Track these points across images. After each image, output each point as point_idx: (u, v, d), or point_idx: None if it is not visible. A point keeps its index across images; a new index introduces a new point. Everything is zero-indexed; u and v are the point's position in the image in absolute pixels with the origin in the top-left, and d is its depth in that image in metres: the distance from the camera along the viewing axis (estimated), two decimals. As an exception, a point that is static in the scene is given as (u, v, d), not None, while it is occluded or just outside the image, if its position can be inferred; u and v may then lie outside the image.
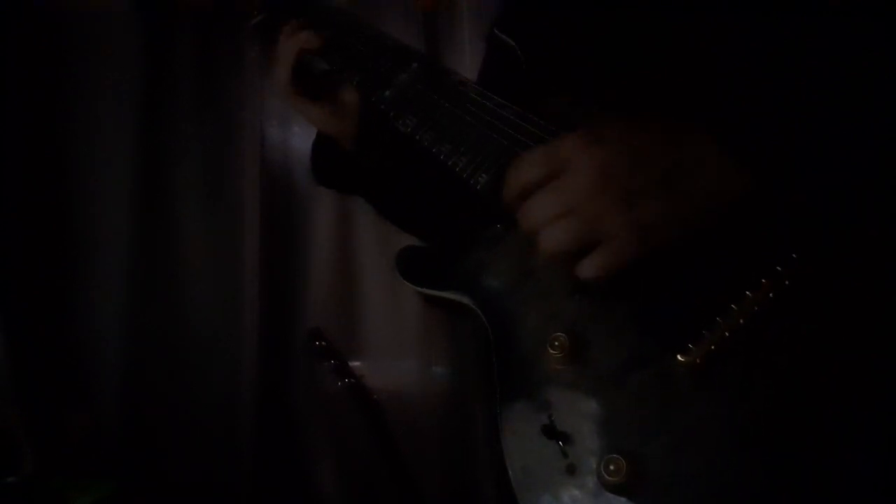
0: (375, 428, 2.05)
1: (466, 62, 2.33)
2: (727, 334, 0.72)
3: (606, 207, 0.74)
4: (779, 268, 0.73)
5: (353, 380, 2.07)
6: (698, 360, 0.72)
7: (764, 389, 0.70)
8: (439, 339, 2.38)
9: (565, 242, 0.76)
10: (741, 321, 0.72)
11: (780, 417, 0.69)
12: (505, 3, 1.17)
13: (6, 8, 2.16)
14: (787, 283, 0.72)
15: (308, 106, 1.20)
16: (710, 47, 0.86)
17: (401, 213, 1.32)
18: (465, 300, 0.89)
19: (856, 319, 0.70)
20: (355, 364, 2.17)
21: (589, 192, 0.75)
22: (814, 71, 0.77)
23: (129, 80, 2.32)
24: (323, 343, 2.10)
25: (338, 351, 2.11)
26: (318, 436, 2.42)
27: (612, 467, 0.70)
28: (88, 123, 2.29)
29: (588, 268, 0.76)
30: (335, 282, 2.47)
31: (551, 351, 0.78)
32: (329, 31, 1.18)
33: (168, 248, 2.38)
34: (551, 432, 0.75)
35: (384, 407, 2.08)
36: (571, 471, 0.73)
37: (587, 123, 0.82)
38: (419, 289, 0.95)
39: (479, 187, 0.95)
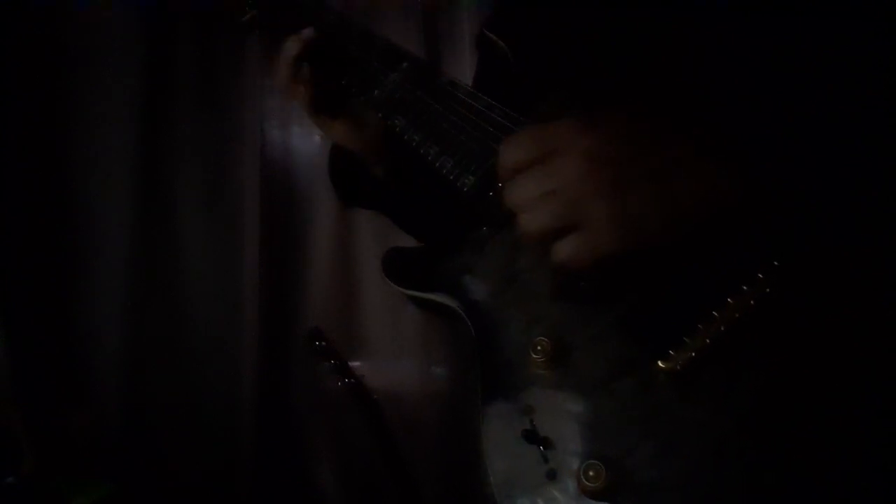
0: (375, 428, 2.04)
1: (466, 62, 2.32)
2: (708, 341, 0.72)
3: (591, 193, 0.72)
4: (760, 275, 0.72)
5: (353, 380, 2.06)
6: (679, 367, 0.72)
7: (745, 396, 0.70)
8: (439, 339, 2.38)
9: (544, 224, 0.74)
10: (722, 328, 0.72)
11: (761, 424, 0.69)
12: (496, 3, 1.17)
13: (7, 8, 2.16)
14: (767, 290, 0.72)
15: (329, 122, 1.19)
16: (702, 50, 0.85)
17: (420, 226, 1.30)
18: (450, 303, 0.89)
19: (836, 327, 0.70)
20: (355, 364, 2.16)
21: (575, 176, 0.73)
22: (805, 76, 0.77)
23: (129, 80, 2.32)
24: (323, 343, 2.09)
25: (338, 351, 2.10)
26: (318, 436, 2.42)
27: (591, 473, 0.70)
28: (89, 124, 2.29)
29: (561, 250, 0.74)
30: (335, 282, 2.46)
31: (534, 355, 0.78)
32: (318, 30, 1.17)
33: (168, 248, 2.38)
34: (532, 437, 0.75)
35: (384, 407, 2.07)
36: (552, 476, 0.73)
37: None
38: (404, 290, 0.94)
39: (465, 189, 0.94)
